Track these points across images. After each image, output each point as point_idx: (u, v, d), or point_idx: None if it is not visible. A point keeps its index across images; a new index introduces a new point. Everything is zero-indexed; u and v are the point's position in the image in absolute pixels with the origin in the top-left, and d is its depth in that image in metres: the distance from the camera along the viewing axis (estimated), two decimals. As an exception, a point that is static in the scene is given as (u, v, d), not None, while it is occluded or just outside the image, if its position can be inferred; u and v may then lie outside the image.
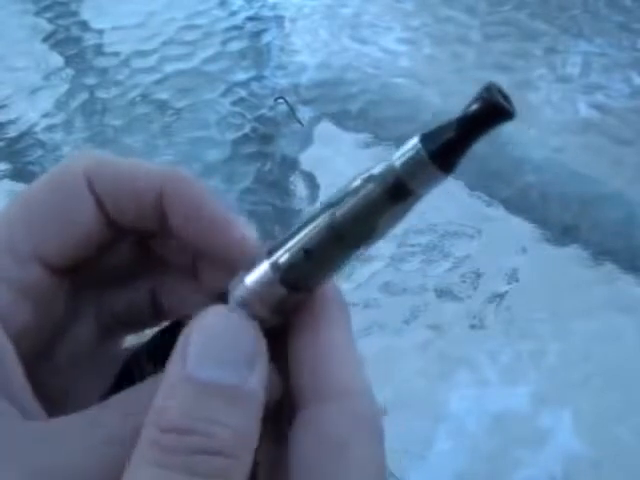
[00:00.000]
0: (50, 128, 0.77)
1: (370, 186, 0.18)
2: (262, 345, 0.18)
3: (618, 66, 0.81)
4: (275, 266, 0.19)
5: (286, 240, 0.19)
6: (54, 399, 0.20)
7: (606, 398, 0.52)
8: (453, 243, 0.62)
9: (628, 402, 0.52)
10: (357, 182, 0.18)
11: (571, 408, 0.51)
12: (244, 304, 0.19)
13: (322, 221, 0.18)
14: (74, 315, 0.23)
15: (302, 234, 0.19)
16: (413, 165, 0.17)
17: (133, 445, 0.17)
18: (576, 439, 0.50)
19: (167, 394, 0.17)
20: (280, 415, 0.20)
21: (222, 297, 0.20)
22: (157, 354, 0.20)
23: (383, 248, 0.62)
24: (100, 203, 0.21)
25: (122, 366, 0.23)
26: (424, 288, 0.59)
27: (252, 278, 0.19)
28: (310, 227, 0.19)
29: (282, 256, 0.19)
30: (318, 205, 0.19)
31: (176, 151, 0.74)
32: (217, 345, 0.17)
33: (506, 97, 0.17)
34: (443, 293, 0.59)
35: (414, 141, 0.17)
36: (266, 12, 0.94)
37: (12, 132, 0.77)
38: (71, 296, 0.22)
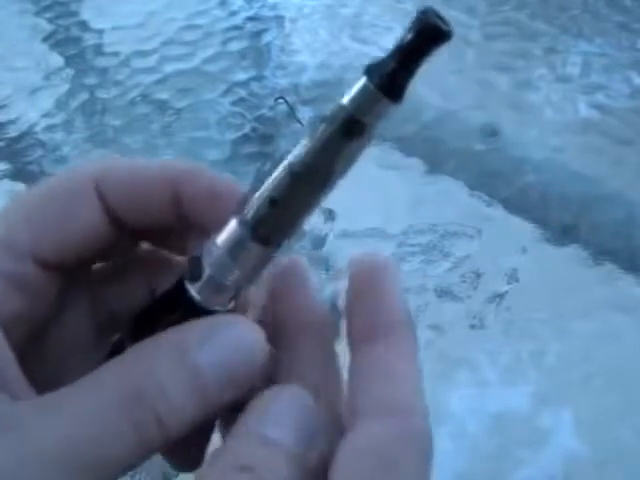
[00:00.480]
0: (50, 128, 0.77)
1: (323, 126, 0.18)
2: (324, 425, 0.19)
3: (618, 66, 0.81)
4: (243, 221, 0.19)
5: (250, 194, 0.19)
6: (45, 390, 0.20)
7: (606, 398, 0.52)
8: (453, 243, 0.62)
9: (628, 402, 0.52)
10: (311, 125, 0.18)
11: (571, 408, 0.51)
12: (216, 266, 0.19)
13: (282, 168, 0.19)
14: (68, 310, 0.23)
15: (265, 185, 0.19)
16: (362, 99, 0.18)
17: (131, 407, 0.17)
18: (576, 439, 0.50)
19: (239, 440, 0.18)
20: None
21: (195, 261, 0.20)
22: (140, 332, 0.20)
23: (383, 248, 0.62)
24: (108, 206, 0.21)
25: (108, 352, 0.23)
26: (424, 288, 0.59)
27: (222, 237, 0.19)
28: (271, 177, 0.19)
29: (249, 210, 0.19)
30: (277, 155, 0.19)
31: (176, 151, 0.74)
32: (292, 414, 0.19)
33: (442, 19, 0.17)
34: (443, 293, 0.59)
35: (361, 77, 0.18)
36: (266, 12, 0.94)
37: (12, 132, 0.77)
38: (65, 291, 0.22)
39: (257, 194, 0.19)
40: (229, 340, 0.19)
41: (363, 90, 0.17)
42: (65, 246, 0.21)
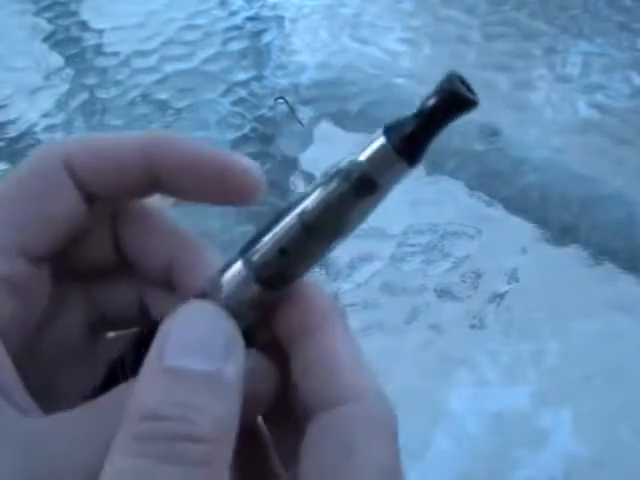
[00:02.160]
0: (50, 128, 0.77)
1: (337, 181, 0.18)
2: (237, 335, 0.18)
3: (618, 66, 0.81)
4: (249, 264, 0.19)
5: (258, 237, 0.19)
6: (37, 393, 0.20)
7: (606, 398, 0.52)
8: (453, 243, 0.62)
9: (628, 402, 0.52)
10: (325, 177, 0.18)
11: (571, 408, 0.51)
12: (221, 303, 0.19)
13: (293, 217, 0.19)
14: (61, 312, 0.23)
15: (274, 231, 0.19)
16: (378, 158, 0.17)
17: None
18: (576, 439, 0.50)
19: (144, 384, 0.17)
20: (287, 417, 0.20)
21: (200, 297, 0.20)
22: (140, 353, 0.20)
23: (383, 248, 0.62)
24: (80, 182, 0.21)
25: (107, 369, 0.23)
26: (424, 288, 0.59)
27: (227, 278, 0.20)
28: (282, 224, 0.19)
29: (255, 254, 0.19)
30: (289, 200, 0.19)
31: (176, 151, 0.74)
32: (193, 335, 0.17)
33: (468, 86, 0.17)
34: (443, 293, 0.59)
35: (378, 134, 0.17)
36: (266, 12, 0.94)
37: (12, 132, 0.77)
38: (57, 293, 0.22)
39: (266, 239, 0.19)
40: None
41: (380, 150, 0.17)
42: (50, 234, 0.21)
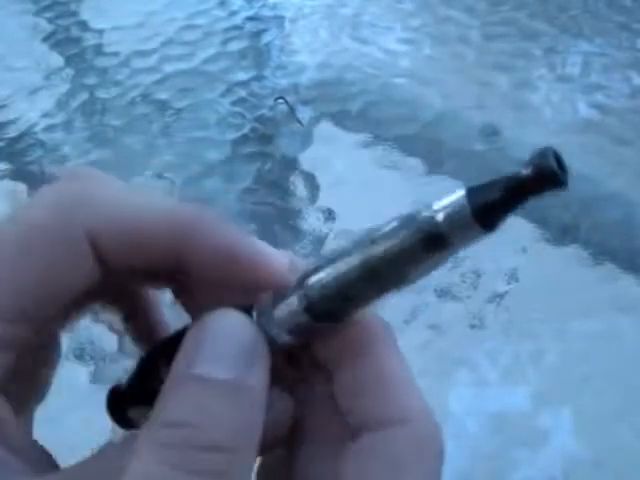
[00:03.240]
0: (50, 128, 0.77)
1: (409, 232, 0.18)
2: (263, 346, 0.18)
3: (618, 66, 0.81)
4: (304, 297, 0.19)
5: (318, 270, 0.19)
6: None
7: (606, 398, 0.52)
8: (453, 243, 0.62)
9: (628, 402, 0.52)
10: (397, 224, 0.18)
11: (571, 408, 0.51)
12: (267, 329, 0.19)
13: (357, 259, 0.18)
14: (52, 347, 0.22)
15: (336, 269, 0.19)
16: (455, 219, 0.17)
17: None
18: (576, 439, 0.50)
19: (168, 391, 0.17)
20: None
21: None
22: (171, 354, 0.20)
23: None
24: (102, 257, 0.20)
25: (141, 362, 0.22)
26: (424, 288, 0.59)
27: (279, 307, 0.19)
28: (345, 262, 0.18)
29: (313, 288, 0.19)
30: (356, 238, 0.19)
31: (176, 151, 0.74)
32: (217, 343, 0.17)
33: (561, 162, 0.16)
34: (443, 293, 0.59)
35: (460, 194, 0.17)
36: (266, 12, 0.94)
37: (12, 132, 0.77)
38: (50, 335, 0.22)
39: (325, 274, 0.19)
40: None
41: (459, 211, 0.17)
42: (56, 301, 0.20)
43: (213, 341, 0.17)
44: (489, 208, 0.17)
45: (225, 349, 0.17)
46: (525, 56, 0.83)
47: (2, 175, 0.72)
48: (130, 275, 0.21)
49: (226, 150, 0.74)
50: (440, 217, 0.17)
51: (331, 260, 0.19)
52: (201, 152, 0.74)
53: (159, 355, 0.22)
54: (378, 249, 0.18)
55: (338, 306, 0.19)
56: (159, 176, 0.71)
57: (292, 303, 0.19)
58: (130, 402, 0.22)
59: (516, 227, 0.63)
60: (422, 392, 0.19)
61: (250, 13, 0.94)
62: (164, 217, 0.20)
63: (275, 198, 0.69)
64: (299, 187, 0.69)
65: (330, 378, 0.20)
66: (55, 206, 0.19)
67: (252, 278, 0.20)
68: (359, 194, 0.67)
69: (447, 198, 0.17)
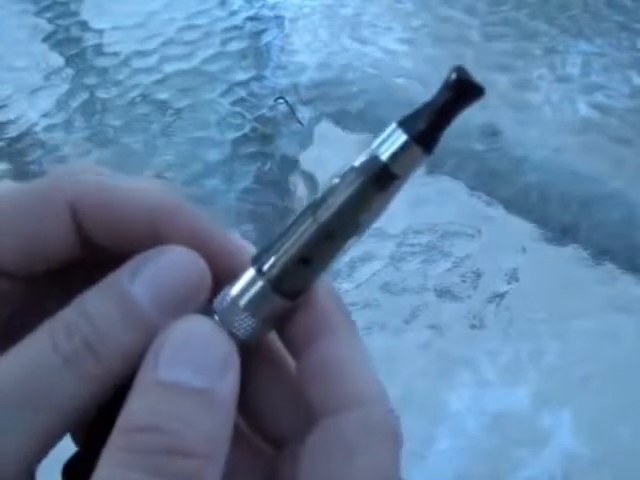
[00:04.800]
0: (50, 128, 0.77)
1: (354, 178, 0.18)
2: (233, 352, 0.18)
3: (618, 66, 0.81)
4: (265, 275, 0.19)
5: (272, 247, 0.19)
6: None
7: (606, 398, 0.52)
8: (453, 243, 0.62)
9: (628, 402, 0.52)
10: (339, 178, 0.18)
11: (571, 408, 0.51)
12: (231, 318, 0.19)
13: (310, 224, 0.18)
14: (34, 315, 0.23)
15: (291, 240, 0.19)
16: (397, 150, 0.18)
17: (60, 342, 0.17)
18: (576, 439, 0.50)
19: (135, 396, 0.17)
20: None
21: (207, 312, 0.19)
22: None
23: (383, 248, 0.62)
24: (80, 228, 0.21)
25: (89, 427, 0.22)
26: (424, 288, 0.59)
27: (239, 291, 0.19)
28: (298, 232, 0.19)
29: (273, 265, 0.19)
30: (301, 208, 0.19)
31: (176, 151, 0.74)
32: (188, 349, 0.17)
33: (472, 76, 0.18)
34: (443, 293, 0.59)
35: (393, 127, 0.18)
36: (266, 12, 0.94)
37: (12, 132, 0.77)
38: (31, 298, 0.22)
39: (282, 249, 0.19)
40: (162, 265, 0.19)
41: (403, 145, 0.18)
42: (32, 261, 0.20)
43: (184, 347, 0.17)
44: (427, 131, 0.18)
45: (197, 356, 0.17)
46: (525, 56, 0.83)
47: (2, 175, 0.72)
48: (111, 257, 0.21)
49: (226, 150, 0.74)
50: (380, 152, 0.18)
51: (282, 233, 0.19)
52: (201, 152, 0.74)
53: (105, 417, 0.21)
54: (327, 206, 0.18)
55: (304, 277, 0.19)
56: (159, 176, 0.71)
57: (255, 286, 0.19)
58: (87, 470, 0.22)
59: (516, 227, 0.63)
60: (378, 379, 0.19)
61: (250, 13, 0.94)
62: (142, 199, 0.20)
63: (275, 198, 0.69)
64: (299, 187, 0.69)
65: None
66: (39, 180, 0.20)
67: (220, 265, 0.20)
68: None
69: (380, 137, 0.18)
